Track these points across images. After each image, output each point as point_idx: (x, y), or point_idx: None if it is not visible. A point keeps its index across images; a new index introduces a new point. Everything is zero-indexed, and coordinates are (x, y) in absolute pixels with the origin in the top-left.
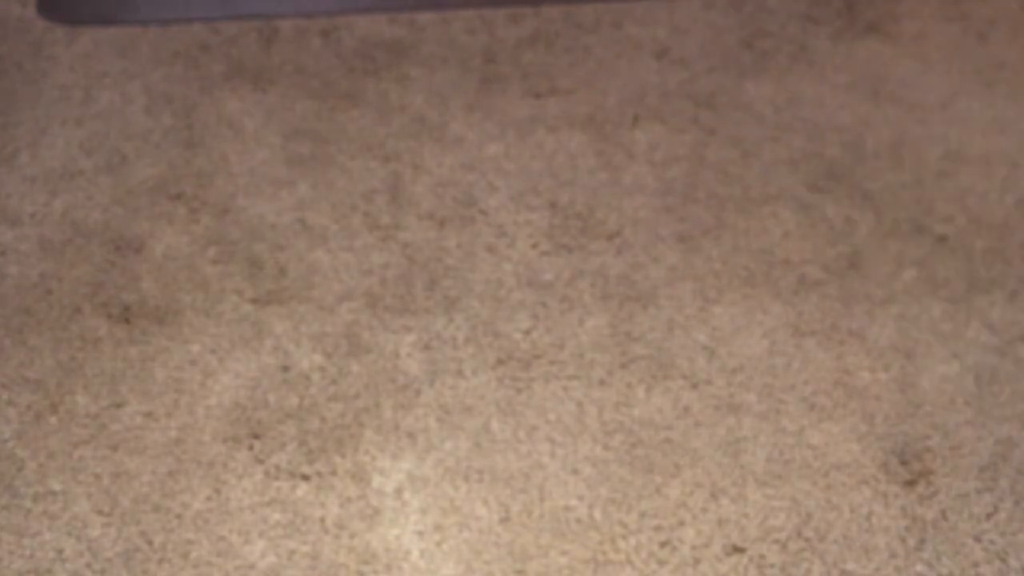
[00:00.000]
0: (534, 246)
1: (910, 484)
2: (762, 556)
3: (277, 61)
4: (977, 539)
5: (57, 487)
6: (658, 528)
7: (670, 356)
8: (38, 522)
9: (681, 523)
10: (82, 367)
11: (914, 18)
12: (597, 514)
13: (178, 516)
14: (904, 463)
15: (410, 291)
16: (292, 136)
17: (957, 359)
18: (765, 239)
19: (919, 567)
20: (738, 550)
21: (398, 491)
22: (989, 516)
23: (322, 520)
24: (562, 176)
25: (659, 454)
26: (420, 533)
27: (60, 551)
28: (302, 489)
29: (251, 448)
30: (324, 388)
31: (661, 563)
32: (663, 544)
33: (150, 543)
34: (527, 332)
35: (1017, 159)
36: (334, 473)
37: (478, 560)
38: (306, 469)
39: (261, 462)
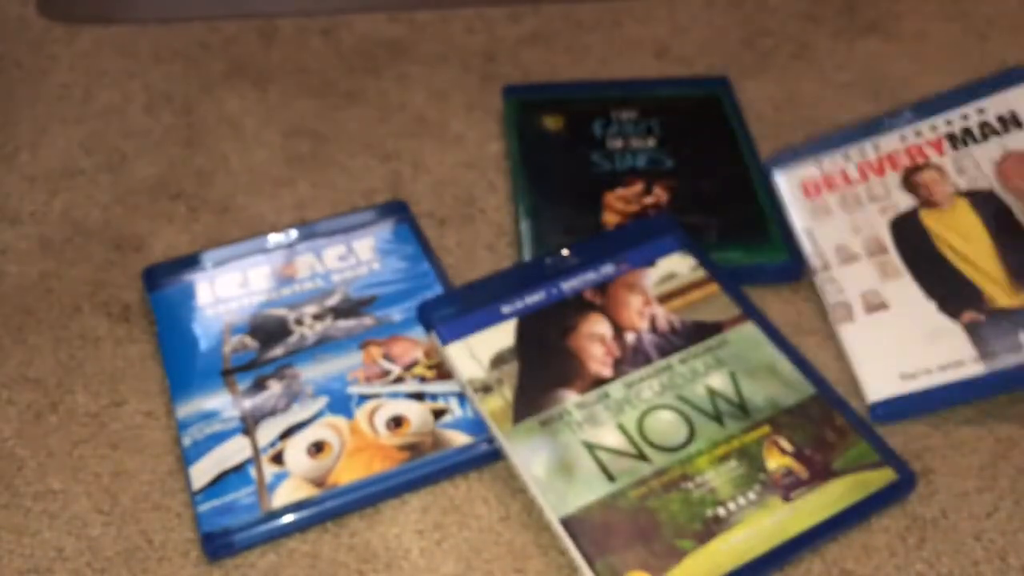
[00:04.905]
0: None
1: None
2: None
3: (277, 59)
4: (977, 538)
5: (57, 486)
6: None
7: None
8: (38, 521)
9: None
10: (82, 366)
11: (915, 17)
12: None
13: (178, 515)
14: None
15: None
16: (292, 135)
17: None
18: None
19: (919, 566)
20: None
21: None
22: (989, 515)
23: None
24: None
25: None
26: (420, 532)
27: (60, 550)
28: None
29: None
30: None
31: None
32: None
33: (150, 542)
34: None
35: None
36: None
37: (478, 559)
38: None
39: None
